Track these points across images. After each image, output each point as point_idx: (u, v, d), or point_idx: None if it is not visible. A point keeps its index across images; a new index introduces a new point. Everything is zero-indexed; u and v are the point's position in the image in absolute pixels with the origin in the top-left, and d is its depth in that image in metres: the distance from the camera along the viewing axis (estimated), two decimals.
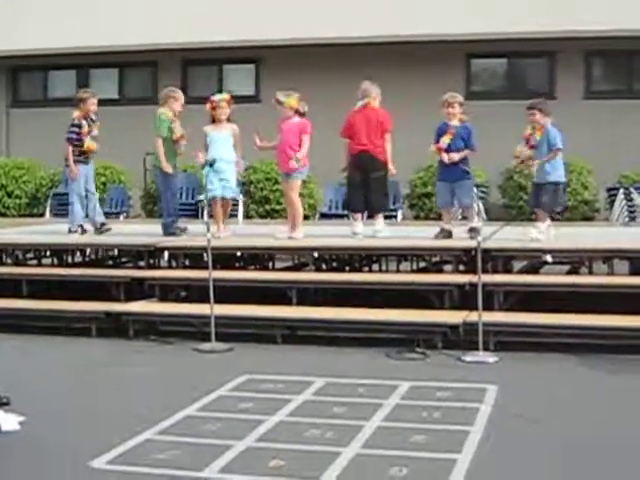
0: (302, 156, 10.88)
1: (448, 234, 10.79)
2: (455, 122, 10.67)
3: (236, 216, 16.44)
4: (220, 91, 17.04)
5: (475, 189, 16.05)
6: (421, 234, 11.29)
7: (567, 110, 18.50)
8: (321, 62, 19.92)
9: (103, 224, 12.22)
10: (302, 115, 11.11)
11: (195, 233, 11.33)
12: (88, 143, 12.09)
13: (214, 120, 11.41)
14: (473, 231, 10.29)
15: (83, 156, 12.17)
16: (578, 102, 19.32)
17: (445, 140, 10.64)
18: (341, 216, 17.80)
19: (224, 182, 11.18)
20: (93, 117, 12.22)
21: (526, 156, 10.64)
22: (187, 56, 21.16)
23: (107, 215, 17.50)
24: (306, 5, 20.09)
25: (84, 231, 12.23)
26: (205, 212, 11.12)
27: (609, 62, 20.28)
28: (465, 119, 10.79)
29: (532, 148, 10.46)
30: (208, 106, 11.45)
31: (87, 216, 12.25)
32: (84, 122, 12.08)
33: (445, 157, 10.62)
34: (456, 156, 10.60)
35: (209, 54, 20.72)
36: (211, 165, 10.37)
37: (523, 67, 20.61)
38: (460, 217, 12.01)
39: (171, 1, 20.70)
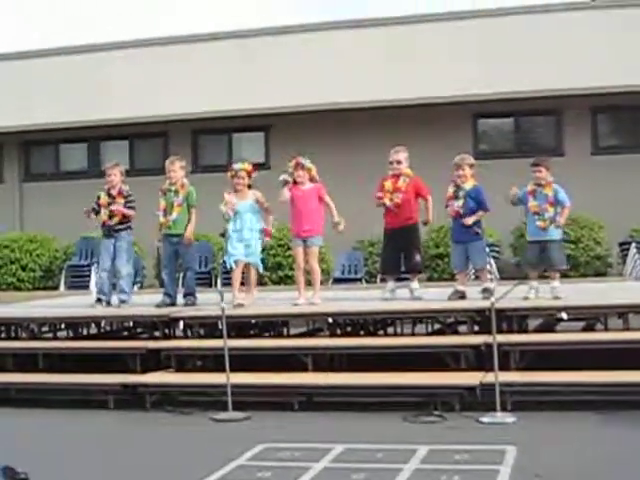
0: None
1: (462, 295, 10.81)
2: (468, 185, 10.77)
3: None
4: (230, 159, 17.18)
5: (487, 248, 16.11)
6: (435, 296, 11.28)
7: (576, 166, 18.61)
8: (330, 127, 20.09)
9: (123, 301, 11.97)
10: (312, 179, 11.24)
11: (209, 302, 11.37)
12: (102, 215, 12.06)
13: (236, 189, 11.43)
14: (486, 291, 10.32)
15: (103, 229, 12.16)
16: (587, 158, 19.42)
17: (459, 204, 10.74)
18: (354, 280, 17.86)
19: (249, 249, 11.24)
20: (119, 189, 12.03)
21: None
22: (197, 126, 21.37)
23: None
24: (313, 71, 20.27)
25: (98, 302, 12.05)
26: (219, 280, 11.16)
27: (616, 117, 20.39)
28: (474, 182, 10.88)
29: (553, 205, 10.48)
30: (229, 174, 11.48)
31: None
32: (102, 194, 12.11)
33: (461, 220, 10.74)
34: (470, 220, 10.70)
35: (218, 123, 20.92)
36: (222, 235, 10.43)
37: (530, 125, 20.72)
38: (473, 277, 12.01)
39: (179, 72, 20.91)
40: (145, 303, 12.22)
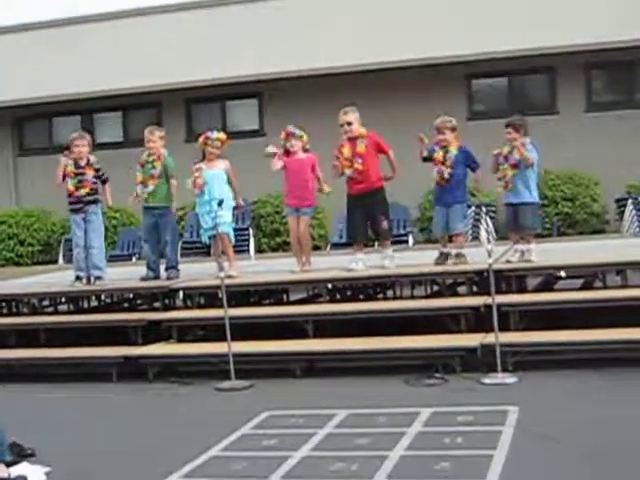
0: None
1: (446, 257, 10.74)
2: (453, 149, 10.65)
3: (248, 251, 16.51)
4: (224, 127, 17.17)
5: (484, 208, 16.07)
6: (433, 258, 11.23)
7: (570, 124, 18.63)
8: (324, 93, 19.95)
9: (98, 277, 11.70)
10: (305, 149, 11.19)
11: (208, 271, 11.39)
12: (69, 185, 11.56)
13: (204, 156, 11.30)
14: (459, 257, 10.45)
15: (70, 200, 11.67)
16: (581, 115, 19.38)
17: (449, 171, 10.60)
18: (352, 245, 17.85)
19: (218, 219, 10.76)
20: (88, 160, 11.60)
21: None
22: (190, 95, 21.30)
23: (119, 258, 17.61)
24: (306, 37, 20.19)
25: (78, 280, 11.71)
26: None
27: (609, 73, 20.33)
28: (459, 143, 10.73)
29: (515, 167, 10.36)
30: (202, 139, 11.30)
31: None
32: (68, 161, 11.56)
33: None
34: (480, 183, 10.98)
35: (211, 91, 20.85)
36: (220, 204, 10.37)
37: (524, 84, 20.65)
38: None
39: (171, 41, 20.82)
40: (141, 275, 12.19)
